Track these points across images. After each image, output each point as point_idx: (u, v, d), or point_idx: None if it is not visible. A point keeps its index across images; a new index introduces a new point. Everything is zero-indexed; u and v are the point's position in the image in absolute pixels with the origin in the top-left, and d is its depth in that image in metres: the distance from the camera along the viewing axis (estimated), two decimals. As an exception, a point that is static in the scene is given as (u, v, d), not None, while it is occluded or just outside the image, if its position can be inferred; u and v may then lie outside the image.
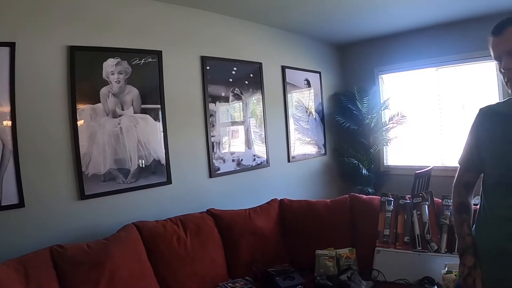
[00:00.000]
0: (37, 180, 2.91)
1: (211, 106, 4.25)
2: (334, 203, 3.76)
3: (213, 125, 4.26)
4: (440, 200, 3.21)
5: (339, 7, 4.52)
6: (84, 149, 3.18)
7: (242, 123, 4.67)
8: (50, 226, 2.95)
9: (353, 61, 6.60)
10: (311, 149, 5.85)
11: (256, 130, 4.83)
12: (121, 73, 3.45)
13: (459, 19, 5.08)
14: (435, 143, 5.75)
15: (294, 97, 5.52)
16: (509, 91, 1.72)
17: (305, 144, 5.70)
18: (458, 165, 2.04)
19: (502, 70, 1.69)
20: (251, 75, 4.79)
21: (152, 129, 3.68)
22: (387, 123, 5.95)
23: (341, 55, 6.67)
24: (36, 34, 2.95)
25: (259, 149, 4.86)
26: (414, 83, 5.95)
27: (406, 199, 3.35)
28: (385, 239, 3.26)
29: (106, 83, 3.36)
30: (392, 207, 3.35)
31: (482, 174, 1.90)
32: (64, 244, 2.62)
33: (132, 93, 3.53)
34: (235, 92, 4.55)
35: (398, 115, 5.81)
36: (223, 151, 4.38)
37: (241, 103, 4.65)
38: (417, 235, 3.15)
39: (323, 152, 6.07)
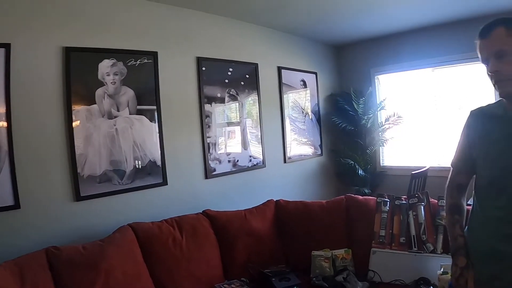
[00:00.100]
0: (32, 181, 2.90)
1: (207, 107, 4.25)
2: (330, 204, 3.76)
3: (209, 126, 4.26)
4: (436, 201, 3.22)
5: (335, 8, 4.53)
6: (79, 150, 3.17)
7: (238, 124, 4.67)
8: (46, 228, 2.95)
9: (349, 62, 6.60)
10: (307, 150, 5.85)
11: (252, 131, 4.83)
12: (117, 74, 3.45)
13: (455, 20, 5.09)
14: (431, 144, 5.75)
15: (290, 97, 5.52)
16: (498, 93, 1.73)
17: (301, 144, 5.71)
18: (451, 167, 2.06)
19: (489, 73, 1.70)
20: (247, 76, 4.79)
21: (147, 130, 3.68)
22: (383, 123, 5.96)
23: (337, 55, 6.67)
24: (32, 35, 2.94)
25: (255, 150, 4.86)
26: (410, 84, 5.96)
27: (402, 200, 3.36)
28: (381, 240, 3.26)
29: (101, 84, 3.35)
30: (388, 208, 3.35)
31: (475, 176, 1.92)
32: (60, 246, 2.62)
33: (128, 94, 3.52)
34: (231, 93, 4.54)
35: (394, 115, 5.83)
36: (219, 152, 4.38)
37: (237, 104, 4.65)
38: (413, 235, 3.15)
39: (319, 152, 6.08)
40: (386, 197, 3.42)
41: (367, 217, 3.42)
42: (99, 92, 3.33)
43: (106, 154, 3.35)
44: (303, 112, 5.76)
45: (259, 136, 4.92)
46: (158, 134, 3.75)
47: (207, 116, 4.25)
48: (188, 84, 4.10)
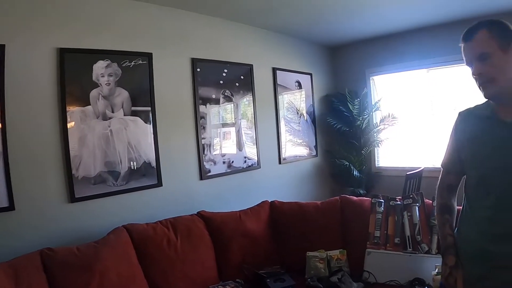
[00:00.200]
0: (27, 183, 2.90)
1: (202, 108, 4.25)
2: (325, 204, 3.77)
3: (203, 127, 4.26)
4: (431, 202, 3.22)
5: (329, 9, 4.53)
6: (74, 152, 3.17)
7: (233, 125, 4.67)
8: (40, 229, 2.94)
9: (344, 63, 6.62)
10: (302, 151, 5.85)
11: (247, 132, 4.83)
12: (111, 75, 3.44)
13: (450, 21, 5.10)
14: (426, 145, 5.77)
15: (285, 99, 5.53)
16: (483, 94, 1.75)
17: (296, 145, 5.71)
18: (441, 168, 2.09)
19: (474, 75, 1.74)
20: (242, 77, 4.79)
21: (142, 131, 3.67)
22: (378, 124, 5.98)
23: (332, 56, 6.68)
24: (26, 36, 2.94)
25: (250, 151, 4.86)
26: (405, 85, 5.98)
27: (397, 201, 3.37)
28: (375, 241, 3.27)
29: (96, 85, 3.35)
30: (382, 209, 3.36)
31: (465, 176, 1.94)
32: (54, 247, 2.62)
33: (122, 95, 3.52)
34: (225, 94, 4.54)
35: (389, 116, 5.83)
36: (214, 153, 4.37)
37: (232, 105, 4.65)
38: (408, 236, 3.16)
39: (314, 153, 6.08)
40: (381, 197, 3.43)
41: (362, 218, 3.43)
42: (93, 93, 3.32)
43: (100, 156, 3.34)
44: (298, 113, 5.77)
45: (254, 137, 4.93)
46: (152, 135, 3.74)
47: (202, 117, 4.25)
48: (183, 85, 4.10)
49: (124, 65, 3.53)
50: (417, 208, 3.22)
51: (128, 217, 3.33)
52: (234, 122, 4.68)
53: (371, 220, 3.36)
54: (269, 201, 3.94)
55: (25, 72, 2.92)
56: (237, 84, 4.71)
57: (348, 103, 5.93)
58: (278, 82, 5.37)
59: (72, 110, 3.17)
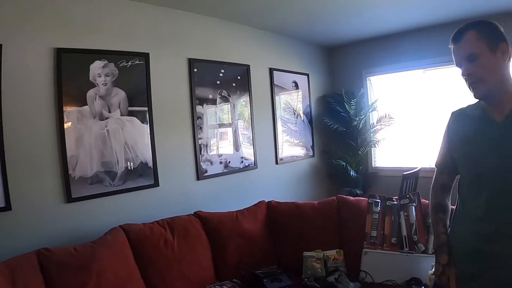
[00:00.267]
0: (24, 183, 2.89)
1: (199, 108, 4.25)
2: (322, 205, 3.77)
3: (200, 128, 4.26)
4: (427, 201, 3.22)
5: (326, 9, 4.54)
6: (71, 152, 3.16)
7: (229, 125, 4.67)
8: (37, 229, 2.93)
9: (341, 63, 6.63)
10: (299, 151, 5.86)
11: (244, 132, 4.83)
12: (108, 76, 3.44)
13: (446, 22, 5.11)
14: (422, 145, 5.77)
15: (282, 99, 5.53)
16: (473, 95, 1.79)
17: (293, 146, 5.71)
18: (435, 168, 2.12)
19: (463, 76, 1.77)
20: (239, 77, 4.79)
21: (139, 131, 3.67)
22: (375, 125, 5.98)
23: (329, 57, 6.69)
24: (23, 36, 2.93)
25: (247, 151, 4.86)
26: (402, 85, 5.98)
27: (393, 201, 3.37)
28: (372, 241, 3.27)
29: (93, 85, 3.34)
30: (379, 209, 3.37)
31: (459, 176, 1.97)
32: (51, 248, 2.61)
33: (119, 95, 3.52)
34: (222, 94, 4.54)
35: (386, 116, 5.84)
36: (210, 154, 4.38)
37: (228, 105, 4.65)
38: (404, 236, 3.17)
39: (311, 154, 6.09)
40: (378, 198, 3.44)
41: (359, 218, 3.43)
42: (90, 93, 3.32)
43: (97, 156, 3.34)
44: (295, 114, 5.77)
45: (251, 138, 4.93)
46: (149, 136, 3.74)
47: (199, 117, 4.25)
48: (179, 86, 4.10)
49: (121, 65, 3.53)
50: (413, 208, 3.23)
51: (125, 217, 3.33)
52: (231, 122, 4.68)
53: (367, 220, 3.36)
54: (266, 201, 3.94)
55: (22, 72, 2.91)
56: (234, 84, 4.71)
57: (345, 104, 5.93)
58: (275, 83, 5.38)
59: (69, 110, 3.17)
